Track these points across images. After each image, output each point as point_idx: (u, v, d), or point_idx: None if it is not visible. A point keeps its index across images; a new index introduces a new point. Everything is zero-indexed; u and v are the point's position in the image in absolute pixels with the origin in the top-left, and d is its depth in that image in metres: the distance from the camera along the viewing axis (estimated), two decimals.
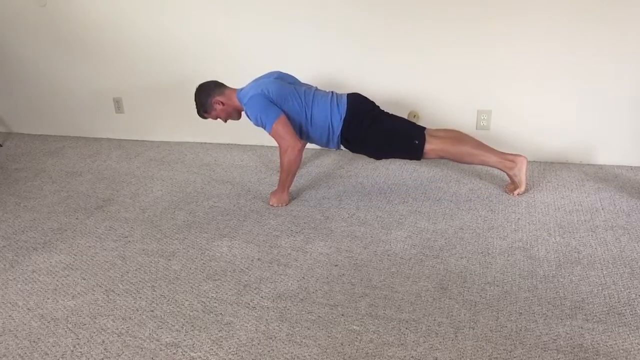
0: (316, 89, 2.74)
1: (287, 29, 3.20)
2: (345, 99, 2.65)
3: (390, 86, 3.16)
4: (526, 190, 2.67)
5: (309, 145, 3.40)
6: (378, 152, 2.72)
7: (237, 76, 3.41)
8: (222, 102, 2.67)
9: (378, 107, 2.73)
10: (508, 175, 2.65)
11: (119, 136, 3.88)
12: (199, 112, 2.75)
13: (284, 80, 2.72)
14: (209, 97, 2.67)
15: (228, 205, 2.73)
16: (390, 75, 3.13)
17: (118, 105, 3.76)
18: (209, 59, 3.42)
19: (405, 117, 3.18)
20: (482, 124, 3.08)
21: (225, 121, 2.79)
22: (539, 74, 2.90)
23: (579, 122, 2.95)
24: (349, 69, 3.19)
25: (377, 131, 2.60)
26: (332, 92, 2.72)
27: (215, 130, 3.60)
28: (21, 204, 2.88)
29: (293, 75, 2.84)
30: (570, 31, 2.77)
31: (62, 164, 3.46)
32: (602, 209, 2.50)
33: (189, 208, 2.73)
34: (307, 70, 3.26)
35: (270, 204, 2.70)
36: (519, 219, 2.45)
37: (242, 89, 2.68)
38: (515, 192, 2.65)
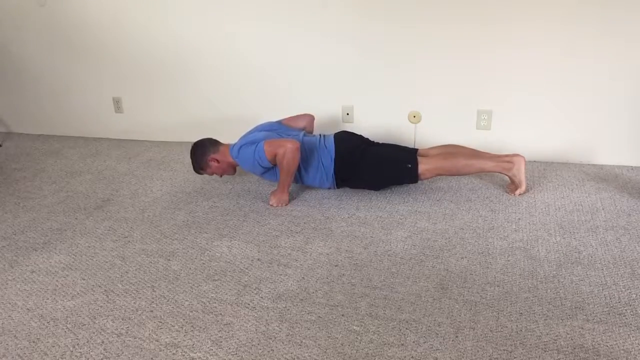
0: (304, 134, 2.78)
1: (287, 30, 3.20)
2: (332, 139, 2.71)
3: (391, 86, 3.16)
4: (527, 190, 2.67)
5: None
6: (374, 184, 2.75)
7: (237, 76, 3.42)
8: (217, 160, 2.73)
9: (367, 139, 2.78)
10: (508, 176, 2.65)
11: (118, 136, 3.88)
12: (195, 170, 2.81)
13: (272, 130, 2.77)
14: (204, 155, 2.73)
15: (228, 205, 2.73)
16: (390, 76, 3.13)
17: (118, 105, 3.76)
18: (209, 59, 3.42)
19: (406, 117, 3.19)
20: (482, 124, 3.08)
21: (221, 176, 2.86)
22: (539, 74, 2.90)
23: (579, 122, 2.95)
24: (349, 70, 3.19)
25: (368, 164, 2.65)
26: (319, 134, 2.79)
27: (215, 131, 3.60)
28: (21, 204, 2.87)
29: (279, 122, 2.87)
30: (569, 32, 2.77)
31: (61, 164, 3.45)
32: (603, 209, 2.49)
33: (188, 208, 2.73)
34: (307, 71, 3.26)
35: (270, 204, 2.69)
36: (519, 219, 2.44)
37: (233, 145, 2.73)
38: (516, 192, 2.65)
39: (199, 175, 3.12)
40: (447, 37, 2.95)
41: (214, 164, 2.74)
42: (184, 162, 3.35)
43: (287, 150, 2.53)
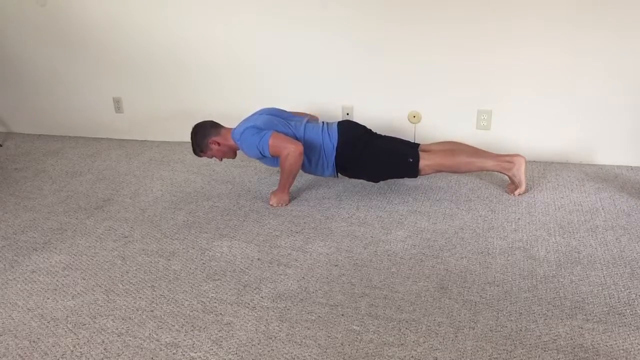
0: (307, 120, 2.77)
1: (287, 29, 3.20)
2: (335, 127, 2.70)
3: (391, 86, 3.16)
4: (526, 190, 2.67)
5: None
6: (374, 175, 2.75)
7: (237, 76, 3.43)
8: (218, 142, 2.71)
9: (369, 130, 2.77)
10: (508, 176, 2.65)
11: (119, 136, 3.88)
12: (195, 152, 2.79)
13: (276, 115, 2.75)
14: (205, 138, 2.71)
15: (228, 205, 2.73)
16: (390, 76, 3.13)
17: (118, 105, 3.76)
18: (209, 59, 3.42)
19: (406, 117, 3.19)
20: (482, 124, 3.08)
21: (221, 160, 2.83)
22: (539, 74, 2.90)
23: (579, 122, 2.95)
24: (349, 70, 3.19)
25: (370, 155, 2.64)
26: (322, 122, 2.77)
27: None
28: (21, 204, 2.87)
29: (283, 109, 2.87)
30: (570, 31, 2.77)
31: (62, 164, 3.46)
32: (602, 209, 2.49)
33: (189, 208, 2.73)
34: (307, 71, 3.27)
35: (271, 204, 2.70)
36: (519, 219, 2.45)
37: (235, 129, 2.71)
38: (516, 192, 2.65)
39: (199, 175, 3.13)
40: (447, 37, 2.95)
41: (214, 146, 2.72)
42: (184, 162, 3.36)
43: (291, 152, 2.54)
